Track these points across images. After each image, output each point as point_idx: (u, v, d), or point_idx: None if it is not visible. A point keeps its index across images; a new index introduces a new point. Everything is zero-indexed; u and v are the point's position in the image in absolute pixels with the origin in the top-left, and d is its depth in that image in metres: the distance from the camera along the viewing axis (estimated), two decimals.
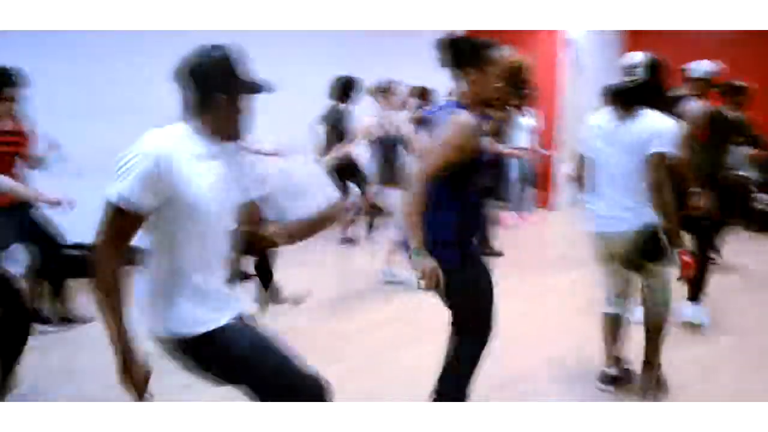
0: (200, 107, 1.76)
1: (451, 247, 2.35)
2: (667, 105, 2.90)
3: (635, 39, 8.80)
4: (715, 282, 4.49)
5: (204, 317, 1.76)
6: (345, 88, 5.70)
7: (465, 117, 2.30)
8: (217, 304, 1.80)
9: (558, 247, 6.48)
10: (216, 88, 1.74)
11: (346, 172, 5.74)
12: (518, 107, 7.09)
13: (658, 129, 2.77)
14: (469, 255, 2.40)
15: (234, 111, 1.79)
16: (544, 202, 8.20)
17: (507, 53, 2.42)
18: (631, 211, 2.84)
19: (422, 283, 2.25)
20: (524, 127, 7.14)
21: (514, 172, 7.15)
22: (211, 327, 1.76)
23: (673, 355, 3.33)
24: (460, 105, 2.38)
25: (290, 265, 4.54)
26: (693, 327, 4.08)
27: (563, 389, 3.23)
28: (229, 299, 1.87)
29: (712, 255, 4.75)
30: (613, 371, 3.21)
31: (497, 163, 6.26)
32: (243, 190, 1.91)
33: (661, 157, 2.75)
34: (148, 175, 1.61)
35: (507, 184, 7.06)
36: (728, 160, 4.27)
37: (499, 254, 5.67)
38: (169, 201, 1.66)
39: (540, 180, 7.85)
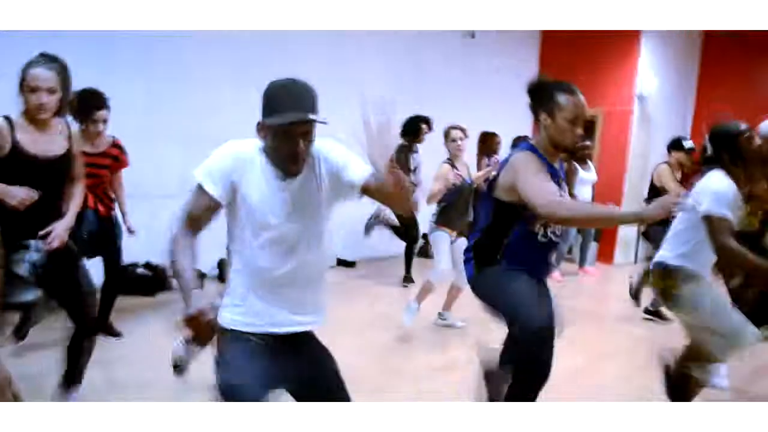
0: (259, 133, 1.80)
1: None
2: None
3: (705, 95, 8.71)
4: None
5: (238, 318, 1.87)
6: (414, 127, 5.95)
7: (526, 154, 2.48)
8: (263, 314, 1.87)
9: (620, 302, 6.37)
10: (264, 115, 1.75)
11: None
12: (582, 159, 7.11)
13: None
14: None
15: (282, 142, 1.74)
16: (606, 257, 8.07)
17: (578, 98, 2.48)
18: None
19: None
20: (586, 180, 7.12)
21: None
22: (234, 327, 1.86)
23: None
24: (531, 147, 2.52)
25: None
26: None
27: None
28: (288, 319, 1.90)
29: None
30: None
31: None
32: (315, 220, 1.89)
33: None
34: (222, 169, 1.76)
35: (568, 236, 7.02)
36: None
37: None
38: (235, 201, 1.79)
39: (604, 234, 7.75)
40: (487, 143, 5.95)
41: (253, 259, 1.84)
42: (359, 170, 1.82)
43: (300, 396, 1.95)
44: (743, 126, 2.92)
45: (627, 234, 8.03)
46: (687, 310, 2.89)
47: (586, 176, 7.15)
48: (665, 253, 2.95)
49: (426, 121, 6.03)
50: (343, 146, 1.89)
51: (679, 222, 2.92)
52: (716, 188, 2.78)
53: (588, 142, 7.37)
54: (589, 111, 8.37)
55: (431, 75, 7.57)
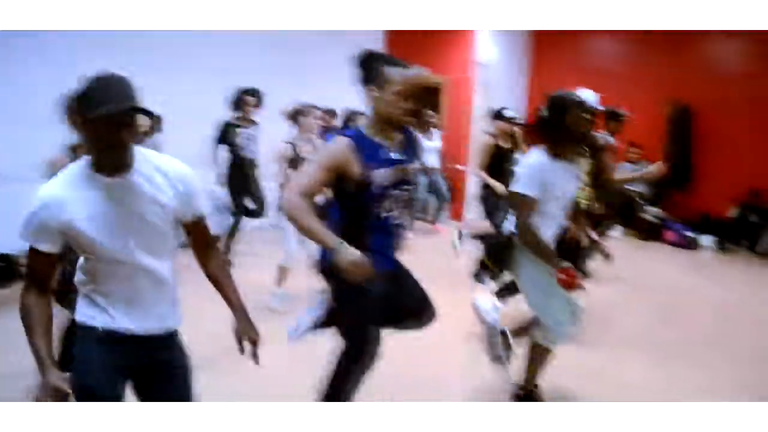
0: (75, 128, 1.80)
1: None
2: (571, 140, 3.01)
3: (539, 66, 9.58)
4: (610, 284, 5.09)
5: (88, 313, 1.88)
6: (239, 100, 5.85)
7: (333, 144, 2.43)
8: (111, 312, 1.87)
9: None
10: (82, 111, 1.69)
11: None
12: (423, 128, 7.59)
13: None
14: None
15: (103, 134, 1.68)
16: (456, 215, 8.70)
17: (411, 72, 2.45)
18: None
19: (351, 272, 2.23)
20: (429, 148, 7.65)
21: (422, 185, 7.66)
22: (84, 322, 1.88)
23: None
24: (355, 134, 2.45)
25: None
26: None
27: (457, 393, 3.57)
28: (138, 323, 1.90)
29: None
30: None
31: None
32: (156, 217, 1.85)
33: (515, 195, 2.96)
34: (42, 222, 1.73)
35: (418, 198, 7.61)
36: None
37: None
38: (68, 239, 1.77)
39: (453, 194, 8.34)
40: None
41: (94, 264, 1.85)
42: (201, 205, 1.96)
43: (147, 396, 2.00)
44: (580, 96, 3.04)
45: (475, 194, 8.70)
46: (514, 273, 3.15)
47: (429, 145, 7.68)
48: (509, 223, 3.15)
49: (251, 92, 5.85)
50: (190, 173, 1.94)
51: None
52: (525, 166, 2.97)
53: (430, 111, 7.89)
54: (435, 79, 8.87)
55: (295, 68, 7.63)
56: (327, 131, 5.85)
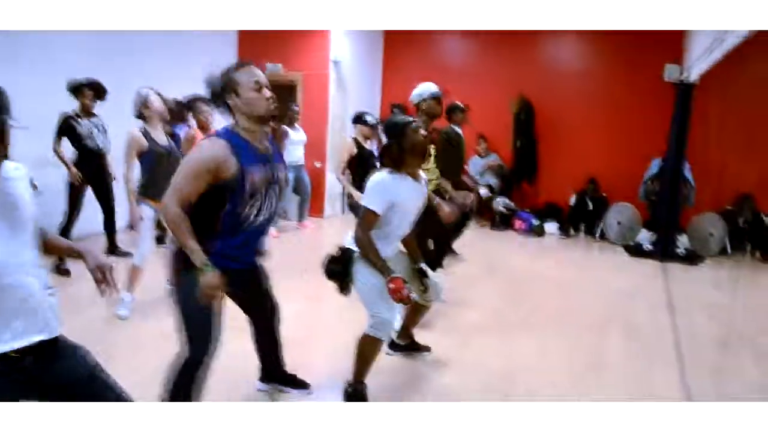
0: None
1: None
2: (412, 159, 3.17)
3: (391, 63, 9.81)
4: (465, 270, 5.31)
5: None
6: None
7: (205, 144, 2.48)
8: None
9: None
10: None
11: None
12: (291, 122, 7.59)
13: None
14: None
15: None
16: (317, 211, 8.71)
17: (250, 67, 2.56)
18: None
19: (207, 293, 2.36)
20: (296, 141, 7.63)
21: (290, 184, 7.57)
22: None
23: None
24: (227, 132, 2.51)
25: None
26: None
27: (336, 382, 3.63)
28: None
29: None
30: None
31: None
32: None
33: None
34: None
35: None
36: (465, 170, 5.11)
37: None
38: None
39: (314, 191, 8.32)
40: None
41: None
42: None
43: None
44: (410, 118, 3.24)
45: (333, 190, 8.75)
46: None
47: (296, 137, 7.67)
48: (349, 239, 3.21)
49: (89, 85, 5.57)
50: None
51: None
52: (373, 182, 3.11)
53: (296, 107, 7.86)
54: (290, 75, 8.82)
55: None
56: (173, 122, 5.71)
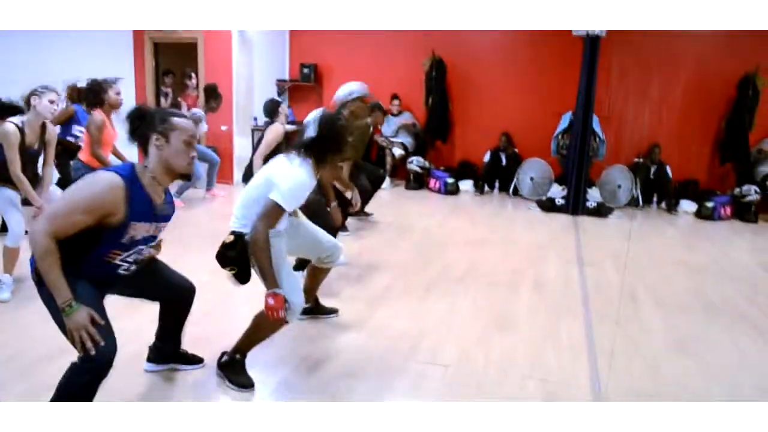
0: None
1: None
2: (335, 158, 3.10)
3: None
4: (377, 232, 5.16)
5: None
6: None
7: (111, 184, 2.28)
8: None
9: None
10: None
11: None
12: (184, 93, 7.19)
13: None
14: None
15: None
16: (225, 177, 8.35)
17: (186, 120, 2.45)
18: None
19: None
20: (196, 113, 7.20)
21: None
22: None
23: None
24: (131, 176, 2.34)
25: None
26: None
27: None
28: None
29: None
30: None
31: None
32: None
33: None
34: None
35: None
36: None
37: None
38: None
39: (223, 157, 7.95)
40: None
41: None
42: None
43: None
44: (344, 121, 3.12)
45: (242, 156, 8.38)
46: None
47: (195, 111, 7.25)
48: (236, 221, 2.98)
49: None
50: None
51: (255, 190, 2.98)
52: (293, 180, 2.86)
53: (192, 74, 7.44)
54: (189, 35, 8.36)
55: None
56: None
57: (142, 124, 2.42)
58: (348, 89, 4.51)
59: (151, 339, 3.07)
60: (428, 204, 7.91)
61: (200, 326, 3.33)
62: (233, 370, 2.97)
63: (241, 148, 8.40)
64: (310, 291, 3.71)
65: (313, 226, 3.40)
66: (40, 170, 4.26)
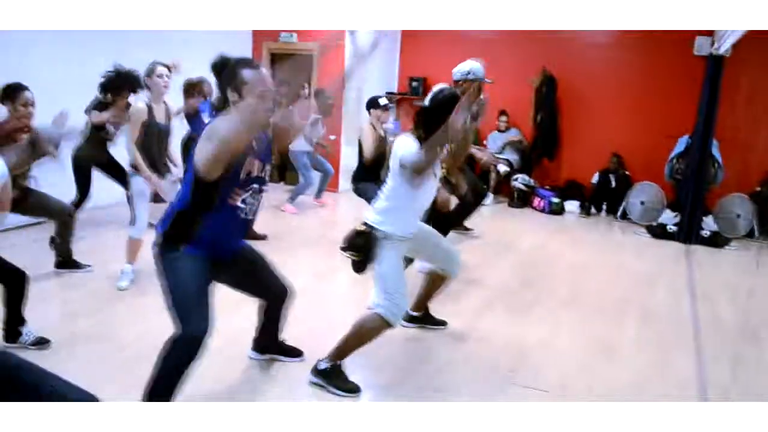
0: None
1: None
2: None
3: (410, 35, 9.53)
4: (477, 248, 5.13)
5: None
6: None
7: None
8: None
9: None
10: None
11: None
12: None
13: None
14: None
15: None
16: (332, 185, 8.53)
17: (262, 72, 2.48)
18: None
19: None
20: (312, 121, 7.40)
21: (309, 168, 7.46)
22: None
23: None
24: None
25: None
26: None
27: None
28: None
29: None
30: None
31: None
32: None
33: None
34: None
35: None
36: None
37: (262, 237, 5.26)
38: None
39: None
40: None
41: None
42: None
43: None
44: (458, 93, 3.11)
45: (348, 165, 8.54)
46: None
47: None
48: (374, 214, 3.11)
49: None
50: None
51: (389, 180, 3.11)
52: (410, 146, 2.96)
53: (305, 84, 7.58)
54: (305, 46, 8.61)
55: None
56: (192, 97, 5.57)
57: (221, 78, 2.50)
58: (467, 67, 4.31)
59: (249, 341, 3.27)
60: (531, 223, 7.76)
61: (296, 328, 3.42)
62: (337, 376, 3.04)
63: (348, 158, 8.57)
64: (424, 299, 3.77)
65: (435, 233, 3.45)
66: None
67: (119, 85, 4.83)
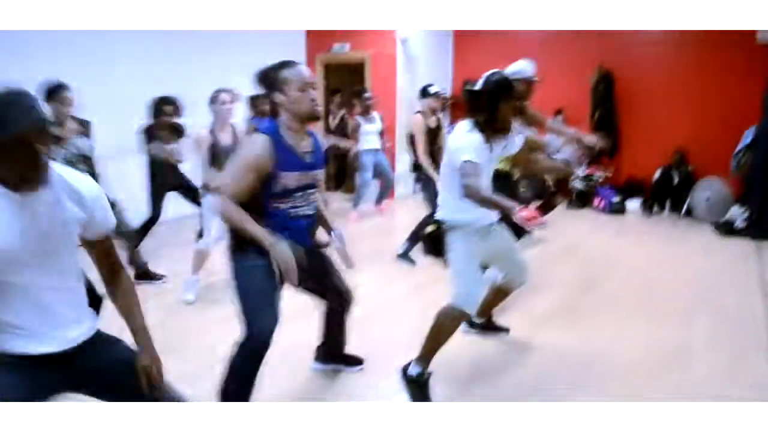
0: None
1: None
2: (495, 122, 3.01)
3: (463, 38, 9.52)
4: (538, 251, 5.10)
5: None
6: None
7: (254, 139, 2.56)
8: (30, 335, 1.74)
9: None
10: None
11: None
12: (366, 112, 7.45)
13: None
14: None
15: (12, 160, 1.61)
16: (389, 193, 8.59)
17: (298, 67, 2.60)
18: None
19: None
20: (369, 131, 7.49)
21: (369, 170, 7.52)
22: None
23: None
24: (270, 129, 2.58)
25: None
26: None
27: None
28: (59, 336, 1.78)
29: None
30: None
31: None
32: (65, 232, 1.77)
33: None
34: None
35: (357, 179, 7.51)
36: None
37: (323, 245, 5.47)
38: None
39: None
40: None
41: None
42: (107, 222, 1.89)
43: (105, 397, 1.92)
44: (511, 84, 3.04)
45: (403, 172, 8.58)
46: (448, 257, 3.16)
47: (370, 128, 7.50)
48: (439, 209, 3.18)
49: (168, 101, 5.40)
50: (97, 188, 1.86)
51: (446, 174, 3.12)
52: (463, 137, 2.96)
53: (368, 95, 7.65)
54: (357, 55, 8.72)
55: None
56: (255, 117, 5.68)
57: (266, 88, 2.64)
58: (518, 67, 4.30)
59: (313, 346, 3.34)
60: (592, 224, 7.64)
61: (355, 337, 3.45)
62: (420, 389, 3.08)
63: (403, 165, 8.61)
64: (488, 307, 3.74)
65: (513, 242, 3.41)
66: None
67: (160, 108, 5.11)
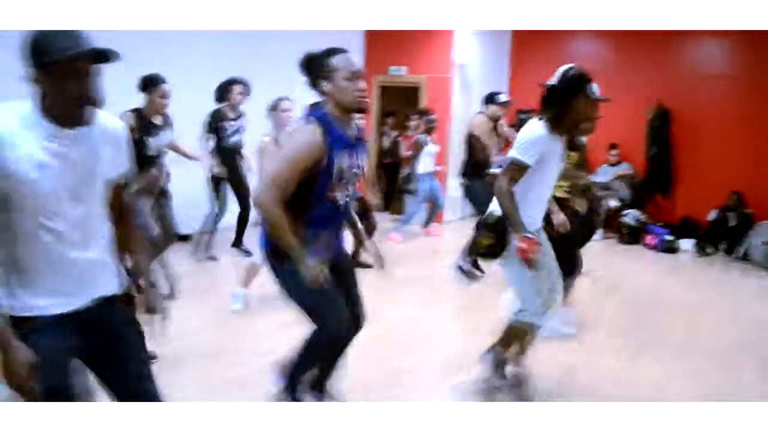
0: (33, 87, 1.62)
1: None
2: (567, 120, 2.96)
3: (520, 65, 9.51)
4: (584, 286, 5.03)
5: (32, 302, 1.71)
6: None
7: (304, 129, 2.49)
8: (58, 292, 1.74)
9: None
10: (33, 63, 1.57)
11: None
12: (426, 133, 7.51)
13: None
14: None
15: (59, 89, 1.58)
16: (437, 216, 8.58)
17: (347, 55, 2.53)
18: None
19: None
20: (430, 152, 7.57)
21: (423, 191, 7.59)
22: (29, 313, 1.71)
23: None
24: (322, 116, 2.51)
25: None
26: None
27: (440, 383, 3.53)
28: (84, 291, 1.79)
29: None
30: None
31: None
32: (99, 173, 1.77)
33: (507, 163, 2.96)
34: None
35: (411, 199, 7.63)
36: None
37: (367, 266, 5.07)
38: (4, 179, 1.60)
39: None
40: None
41: (18, 237, 1.68)
42: (128, 164, 1.91)
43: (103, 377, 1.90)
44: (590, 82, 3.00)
45: (453, 196, 8.59)
46: (503, 262, 3.07)
47: (432, 149, 7.59)
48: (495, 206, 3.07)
49: (237, 82, 5.75)
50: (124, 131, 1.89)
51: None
52: (528, 133, 2.93)
53: (432, 116, 7.71)
54: (413, 78, 8.78)
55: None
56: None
57: (311, 73, 2.59)
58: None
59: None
60: (642, 261, 7.48)
61: (399, 361, 3.45)
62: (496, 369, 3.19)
63: (454, 189, 8.60)
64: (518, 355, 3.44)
65: (552, 258, 3.19)
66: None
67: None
